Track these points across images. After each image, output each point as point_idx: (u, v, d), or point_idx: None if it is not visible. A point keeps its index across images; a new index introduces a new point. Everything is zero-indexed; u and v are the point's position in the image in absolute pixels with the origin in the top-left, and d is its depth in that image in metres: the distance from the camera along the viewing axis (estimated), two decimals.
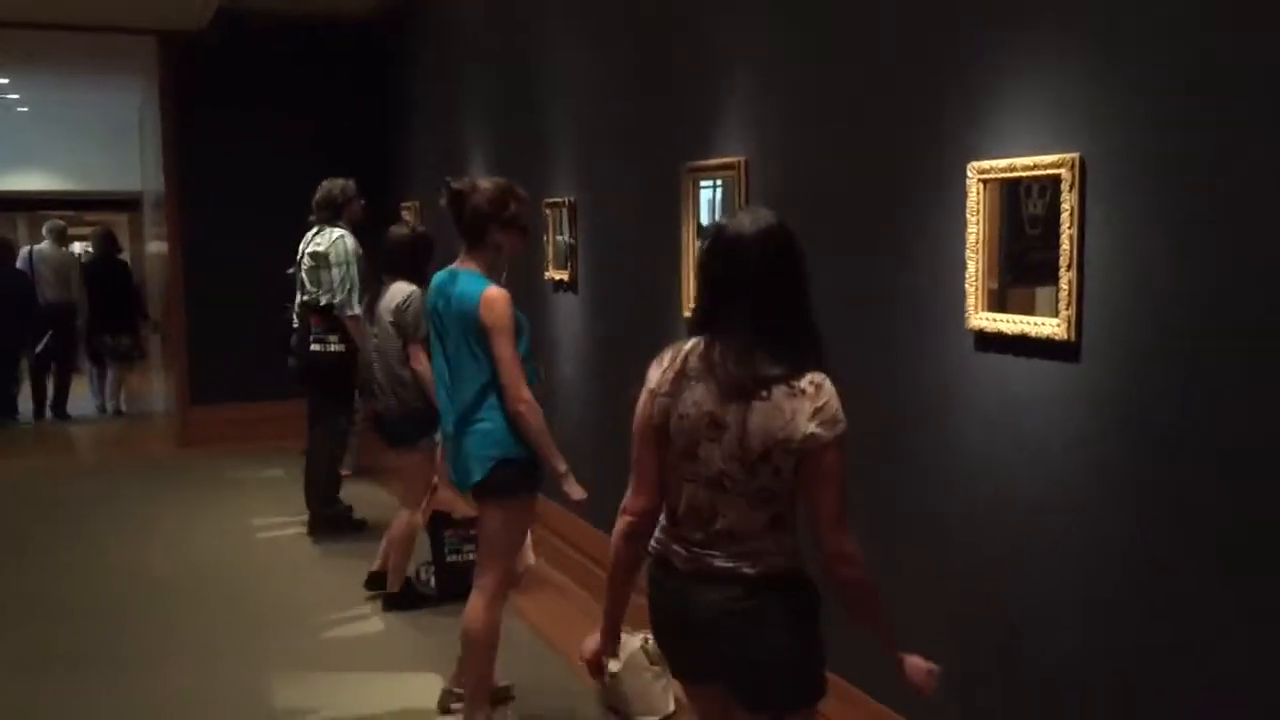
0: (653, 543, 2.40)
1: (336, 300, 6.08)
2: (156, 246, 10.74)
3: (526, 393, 3.60)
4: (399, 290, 5.06)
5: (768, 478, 2.20)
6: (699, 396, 2.25)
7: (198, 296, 8.94)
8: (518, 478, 3.67)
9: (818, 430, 2.16)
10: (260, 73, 8.89)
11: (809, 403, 2.17)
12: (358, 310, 6.08)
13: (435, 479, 5.15)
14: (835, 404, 2.19)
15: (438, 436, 4.99)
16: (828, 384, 2.20)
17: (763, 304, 2.22)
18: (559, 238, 5.63)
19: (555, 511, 5.67)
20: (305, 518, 6.53)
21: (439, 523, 5.33)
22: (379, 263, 5.29)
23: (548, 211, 5.68)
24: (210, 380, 8.91)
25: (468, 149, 7.06)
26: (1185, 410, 2.37)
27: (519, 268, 5.29)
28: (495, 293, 3.61)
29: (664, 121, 4.60)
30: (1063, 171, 2.59)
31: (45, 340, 10.76)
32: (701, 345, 2.29)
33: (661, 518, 2.39)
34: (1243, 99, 2.22)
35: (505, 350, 3.58)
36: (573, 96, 5.58)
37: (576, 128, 5.55)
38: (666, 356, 2.35)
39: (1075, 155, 2.56)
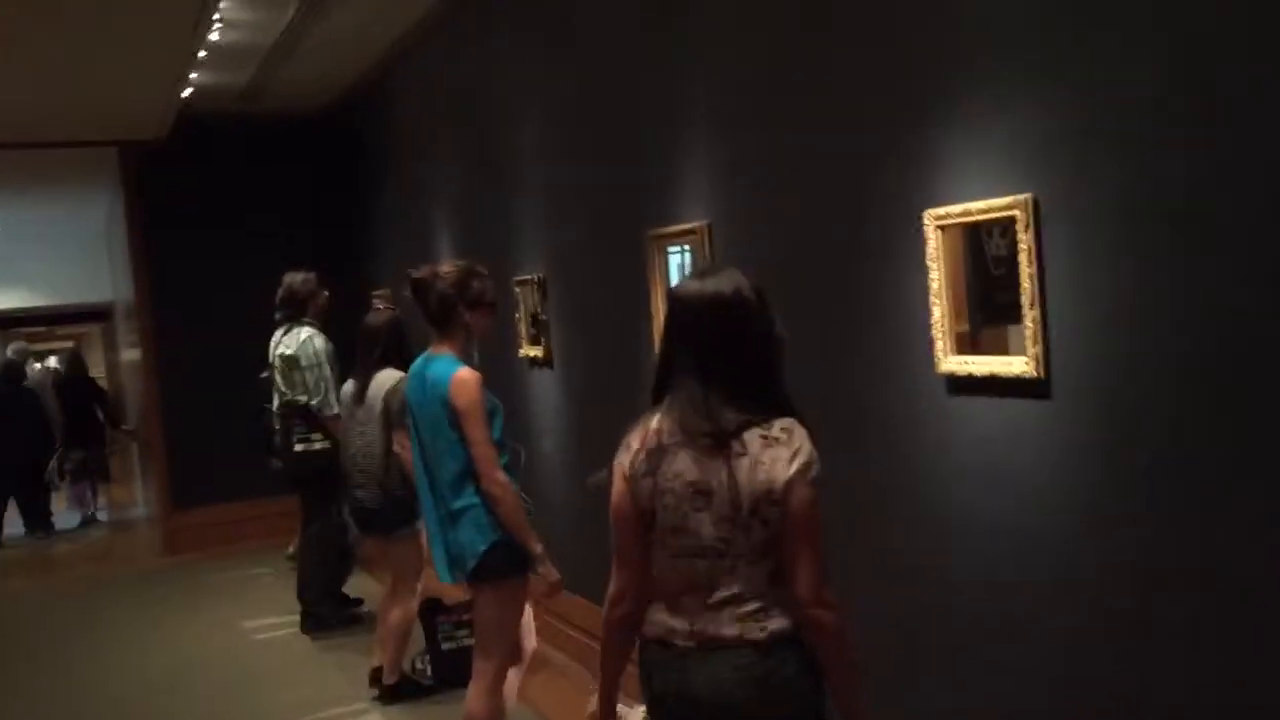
0: (648, 627, 2.35)
1: (314, 402, 6.07)
2: (130, 354, 10.74)
3: (500, 474, 3.60)
4: (388, 376, 5.03)
5: (760, 532, 2.19)
6: (679, 467, 2.23)
7: (174, 401, 8.91)
8: (507, 560, 3.65)
9: (794, 475, 2.16)
10: (223, 174, 8.95)
11: (785, 449, 2.17)
12: (337, 409, 6.04)
13: (423, 564, 5.11)
14: (809, 448, 2.19)
15: (420, 525, 4.97)
16: (799, 428, 2.21)
17: (710, 356, 2.23)
18: (531, 315, 5.66)
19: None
20: (298, 614, 6.44)
21: (432, 609, 5.28)
22: (360, 351, 5.28)
23: (518, 289, 5.71)
24: (191, 484, 8.84)
25: (434, 232, 7.11)
26: (1155, 443, 2.38)
27: (492, 348, 5.29)
28: (466, 374, 3.63)
29: (626, 190, 4.65)
30: (1017, 212, 2.62)
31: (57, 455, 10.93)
32: (663, 414, 2.28)
33: (655, 598, 2.34)
34: (1193, 130, 2.26)
35: (477, 432, 3.59)
36: (535, 173, 5.64)
37: (540, 204, 5.60)
38: (634, 438, 2.33)
39: (1028, 196, 2.60)
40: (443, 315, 3.71)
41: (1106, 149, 2.44)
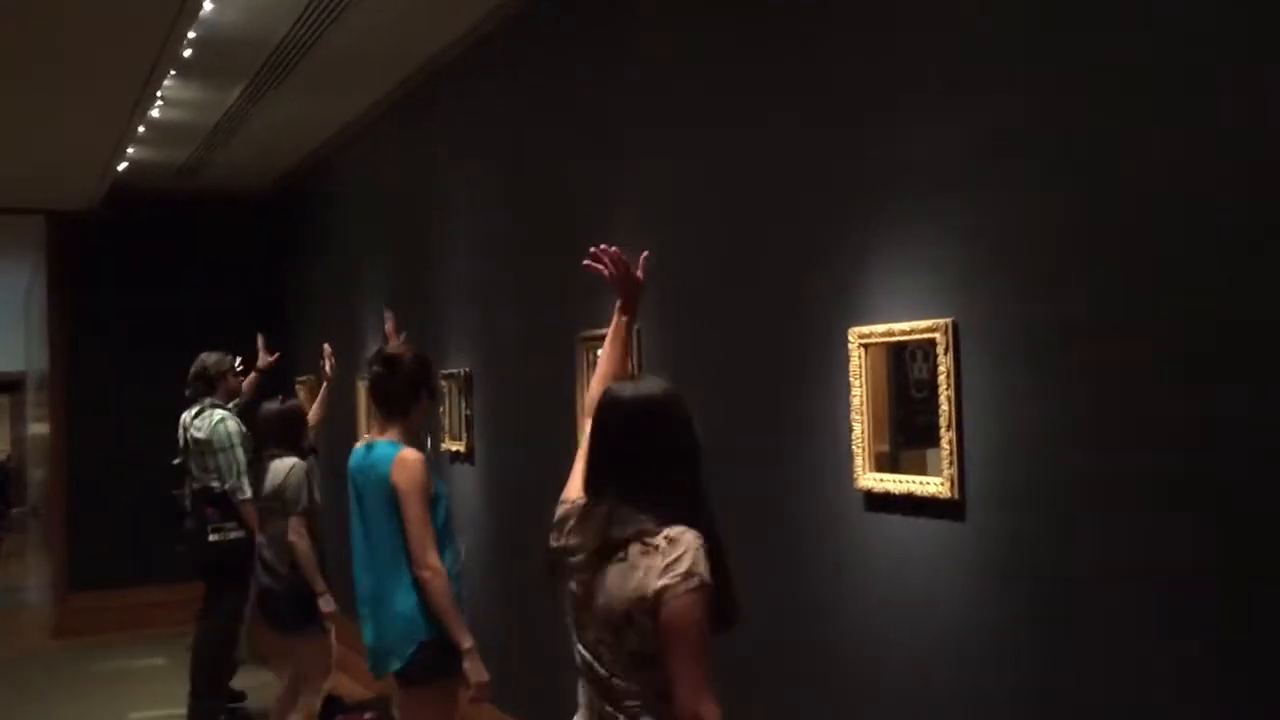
0: None
1: (226, 486, 5.92)
2: (39, 428, 10.42)
3: (434, 559, 3.45)
4: (282, 465, 4.96)
5: (634, 641, 2.15)
6: (582, 562, 2.23)
7: (81, 478, 8.63)
8: (438, 659, 3.48)
9: (666, 582, 2.10)
10: (152, 249, 8.83)
11: (661, 558, 2.12)
12: (249, 494, 5.91)
13: (333, 664, 4.96)
14: (691, 558, 2.11)
15: (329, 624, 4.83)
16: (687, 537, 2.14)
17: (632, 466, 2.24)
18: (456, 409, 5.62)
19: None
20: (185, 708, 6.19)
21: (331, 708, 5.11)
22: (257, 439, 5.22)
23: (444, 382, 5.68)
24: (90, 565, 8.52)
25: (362, 321, 7.08)
26: (1061, 566, 2.42)
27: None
28: (409, 453, 3.54)
29: (557, 291, 4.68)
30: (937, 335, 2.69)
31: None
32: (582, 507, 2.30)
33: None
34: (1097, 262, 2.35)
35: (414, 511, 3.47)
36: (466, 269, 5.66)
37: (471, 299, 5.62)
38: (560, 517, 2.37)
39: (948, 320, 2.67)
40: (404, 396, 3.62)
41: (1018, 279, 2.53)
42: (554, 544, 2.33)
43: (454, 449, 5.62)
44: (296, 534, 4.79)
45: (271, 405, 5.20)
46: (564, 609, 2.31)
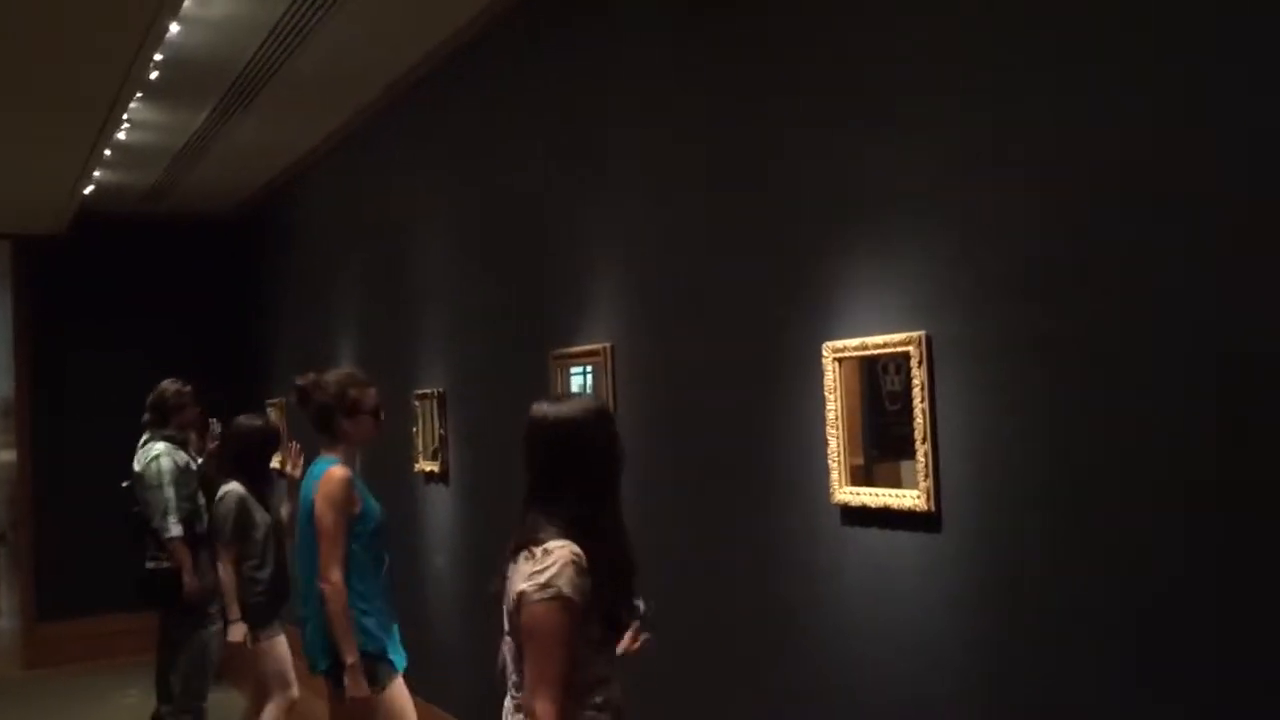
0: None
1: (154, 524, 5.89)
2: (4, 455, 10.29)
3: (335, 575, 3.69)
4: (223, 489, 4.97)
5: (519, 637, 2.37)
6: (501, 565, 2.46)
7: (48, 505, 8.52)
8: (367, 671, 3.71)
9: (525, 587, 2.31)
10: (120, 273, 8.75)
11: (530, 565, 2.33)
12: (174, 532, 5.86)
13: (290, 670, 4.94)
14: (554, 570, 2.31)
15: (275, 628, 4.86)
16: (559, 552, 2.32)
17: (540, 480, 2.44)
18: (429, 429, 5.59)
19: (424, 709, 5.45)
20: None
21: None
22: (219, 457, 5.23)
23: (416, 403, 5.65)
24: (60, 594, 8.40)
25: (334, 343, 7.04)
26: (1037, 577, 2.43)
27: (388, 460, 5.20)
28: (335, 470, 3.78)
29: (529, 310, 4.67)
30: (911, 349, 2.70)
31: None
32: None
33: None
34: (1078, 271, 2.37)
35: (326, 522, 3.71)
36: (438, 288, 5.64)
37: (442, 319, 5.60)
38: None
39: (921, 333, 2.69)
40: (323, 423, 3.88)
41: (990, 292, 2.55)
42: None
43: (428, 469, 5.59)
44: (220, 561, 4.88)
45: (244, 421, 5.16)
46: None
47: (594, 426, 2.46)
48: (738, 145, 3.41)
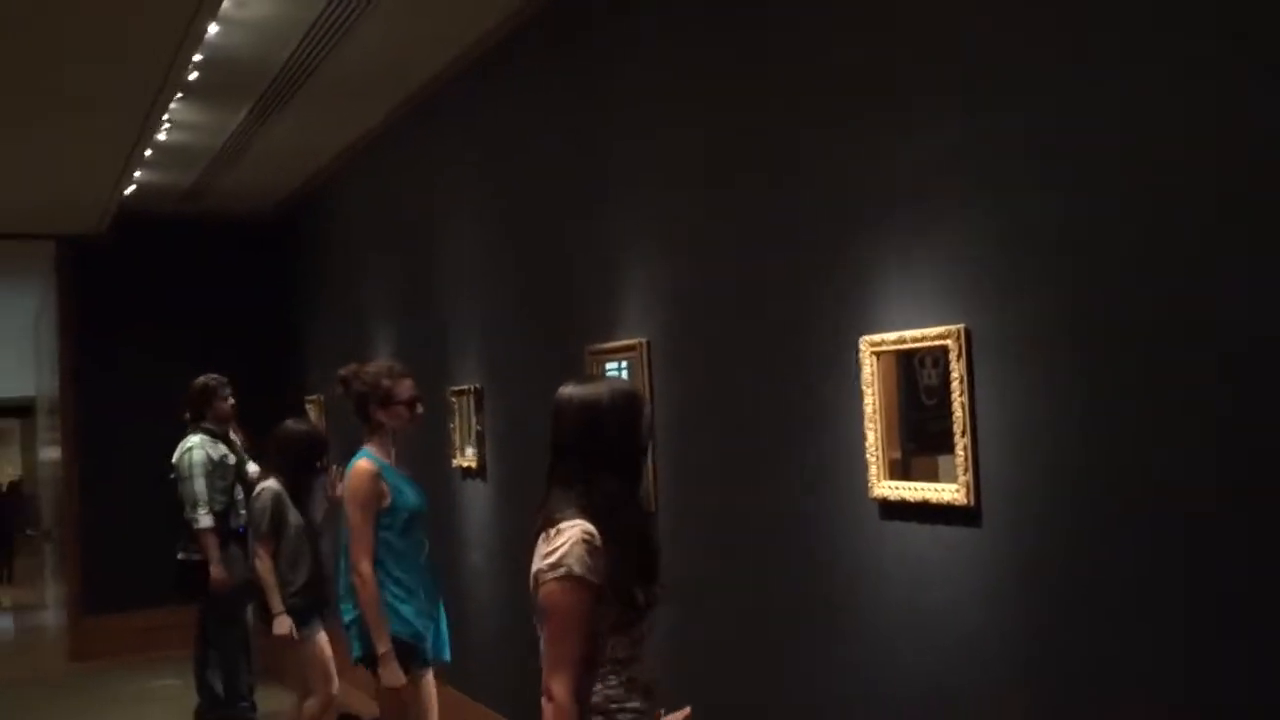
0: None
1: (185, 514, 5.99)
2: (50, 453, 10.45)
3: (364, 567, 3.84)
4: (260, 486, 5.05)
5: (540, 616, 2.41)
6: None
7: (93, 502, 8.65)
8: (398, 655, 3.84)
9: (539, 567, 2.35)
10: (159, 273, 8.86)
11: (546, 546, 2.37)
12: (204, 523, 5.95)
13: (330, 667, 4.99)
14: (566, 549, 2.33)
15: (316, 626, 4.92)
16: (570, 531, 2.34)
17: (564, 459, 2.46)
18: (466, 425, 5.62)
19: (461, 702, 5.48)
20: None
21: None
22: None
23: (454, 399, 5.69)
24: (106, 588, 8.53)
25: (370, 342, 7.09)
26: (1081, 571, 2.41)
27: (426, 455, 5.23)
28: (360, 465, 3.96)
29: (565, 306, 4.69)
30: (949, 342, 2.69)
31: None
32: None
33: None
34: (1120, 262, 2.35)
35: (353, 519, 3.90)
36: (474, 285, 5.67)
37: (479, 316, 5.62)
38: None
39: (960, 326, 2.67)
40: (361, 412, 4.06)
41: (1031, 282, 2.53)
42: None
43: (465, 465, 5.62)
44: (257, 556, 4.92)
45: (290, 426, 5.23)
46: None
47: (618, 408, 2.47)
48: (772, 139, 3.40)
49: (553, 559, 2.33)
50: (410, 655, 3.90)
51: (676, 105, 3.91)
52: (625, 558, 2.37)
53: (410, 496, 4.05)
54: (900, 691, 2.92)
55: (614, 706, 2.41)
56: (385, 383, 4.05)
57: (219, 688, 6.20)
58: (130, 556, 8.25)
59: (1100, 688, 2.39)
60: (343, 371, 4.19)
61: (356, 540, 3.87)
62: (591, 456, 2.43)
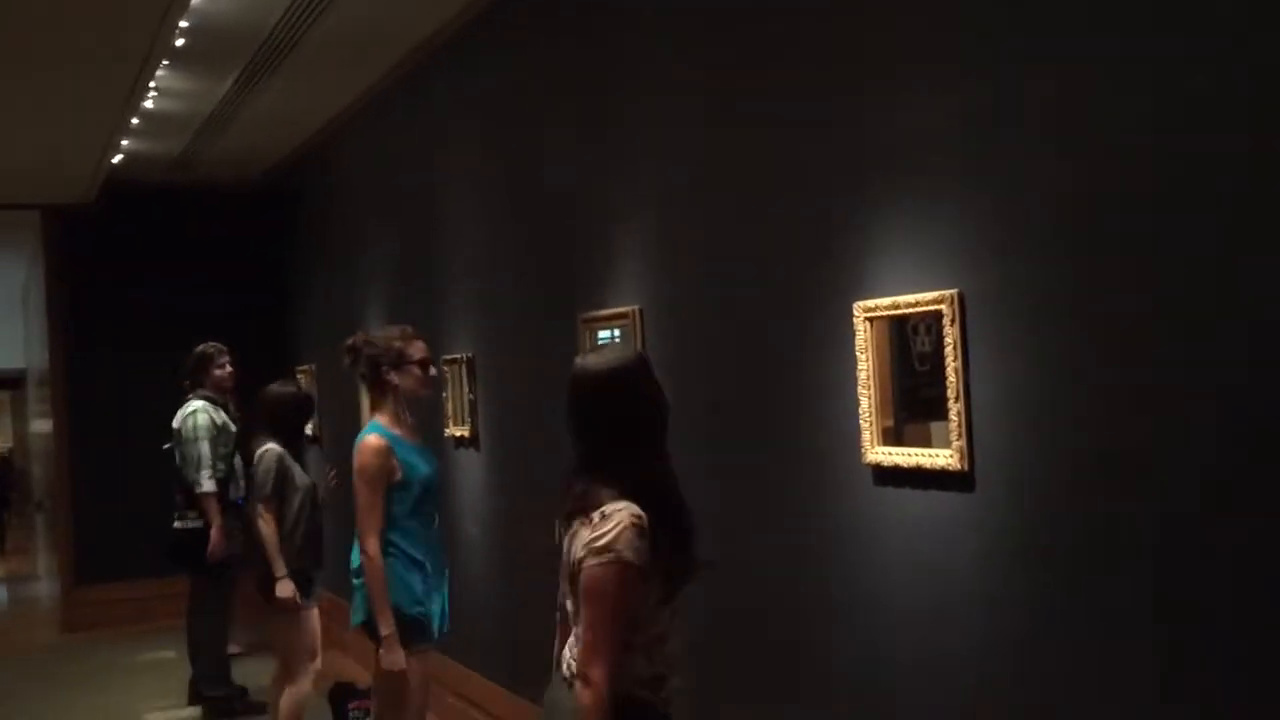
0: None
1: (189, 478, 5.97)
2: (41, 424, 10.42)
3: (371, 544, 3.75)
4: (258, 452, 4.97)
5: (578, 600, 2.38)
6: (561, 527, 2.46)
7: (85, 472, 8.63)
8: (402, 630, 3.77)
9: (583, 554, 2.31)
10: (149, 242, 8.81)
11: (589, 531, 2.32)
12: (207, 487, 5.95)
13: (318, 643, 4.98)
14: (613, 535, 2.29)
15: (313, 601, 4.89)
16: (620, 516, 2.30)
17: (588, 439, 2.41)
18: (459, 394, 5.61)
19: (457, 671, 5.50)
20: (200, 704, 6.21)
21: (343, 694, 5.12)
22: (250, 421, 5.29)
23: (446, 368, 5.67)
24: (98, 559, 8.54)
25: (364, 308, 7.06)
26: (1074, 536, 2.41)
27: (419, 425, 5.21)
28: (369, 439, 3.85)
29: (558, 274, 4.66)
30: (943, 307, 2.68)
31: None
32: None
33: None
34: (1115, 227, 2.34)
35: (360, 495, 3.80)
36: (466, 253, 5.64)
37: (472, 285, 5.60)
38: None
39: (954, 291, 2.66)
40: (373, 379, 3.94)
41: (1024, 249, 2.51)
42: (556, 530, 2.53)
43: (458, 434, 5.62)
44: (260, 518, 4.86)
45: (275, 388, 5.17)
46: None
47: (638, 376, 2.42)
48: (769, 107, 3.37)
49: (601, 543, 2.28)
50: (415, 631, 3.82)
51: (674, 73, 3.88)
52: (670, 535, 2.36)
53: (422, 468, 3.95)
54: (892, 655, 2.93)
55: (657, 683, 2.41)
56: (398, 344, 3.94)
57: (206, 658, 6.19)
58: (122, 527, 8.26)
59: (1090, 653, 2.39)
60: (350, 340, 4.04)
61: (364, 518, 3.78)
62: (624, 432, 2.39)
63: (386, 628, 3.72)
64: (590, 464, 2.38)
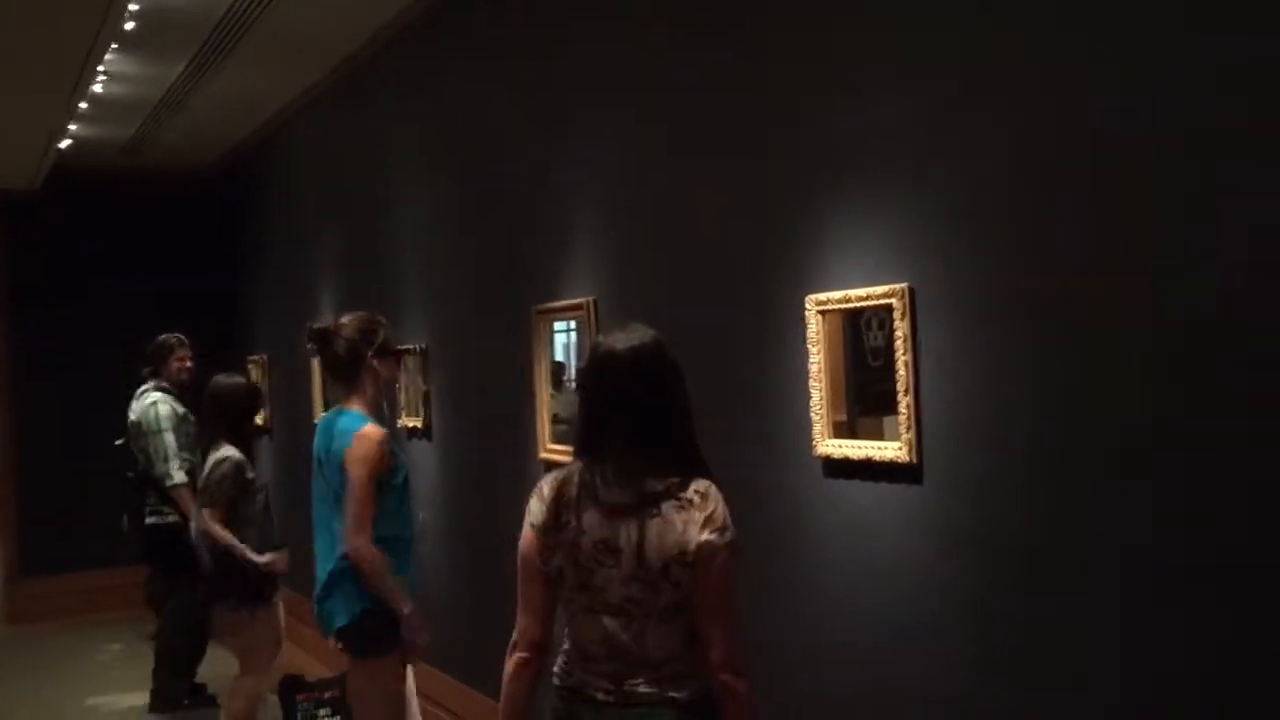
0: (559, 678, 2.34)
1: (156, 472, 5.83)
2: None
3: (363, 540, 3.44)
4: (214, 457, 4.75)
5: (670, 594, 2.19)
6: (588, 524, 2.24)
7: (31, 462, 8.49)
8: (375, 634, 3.52)
9: (710, 537, 2.18)
10: (98, 229, 8.66)
11: (698, 512, 2.19)
12: (177, 479, 5.78)
13: (282, 642, 4.91)
14: (723, 510, 2.21)
15: (277, 599, 4.80)
16: (713, 490, 2.24)
17: (641, 419, 2.25)
18: (412, 385, 5.58)
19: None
20: (149, 691, 6.12)
21: (290, 687, 5.06)
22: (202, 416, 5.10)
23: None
24: (46, 549, 8.40)
25: (316, 300, 7.00)
26: (1019, 526, 2.45)
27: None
28: (369, 430, 3.53)
29: (512, 265, 4.65)
30: (894, 301, 2.70)
31: None
32: (580, 469, 2.29)
33: (565, 651, 2.34)
34: (1063, 223, 2.37)
35: (356, 490, 3.45)
36: (419, 243, 5.61)
37: (425, 275, 5.57)
38: (546, 487, 2.33)
39: (904, 285, 2.69)
40: (350, 366, 3.60)
41: (974, 244, 2.55)
42: (542, 520, 2.30)
43: (411, 425, 5.59)
44: (209, 522, 4.67)
45: (223, 380, 5.04)
46: (561, 578, 2.28)
47: (669, 353, 2.32)
48: (720, 102, 3.38)
49: (718, 522, 2.18)
50: (388, 633, 3.54)
51: (624, 66, 3.88)
52: None
53: (405, 463, 3.73)
54: (843, 643, 2.96)
55: None
56: (381, 331, 3.64)
57: (170, 660, 6.09)
58: (69, 518, 8.14)
59: (1036, 642, 2.43)
60: (318, 325, 3.69)
61: (362, 511, 3.45)
62: (666, 410, 2.26)
63: (407, 605, 3.50)
64: (638, 446, 2.22)
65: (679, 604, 2.21)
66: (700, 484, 2.23)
